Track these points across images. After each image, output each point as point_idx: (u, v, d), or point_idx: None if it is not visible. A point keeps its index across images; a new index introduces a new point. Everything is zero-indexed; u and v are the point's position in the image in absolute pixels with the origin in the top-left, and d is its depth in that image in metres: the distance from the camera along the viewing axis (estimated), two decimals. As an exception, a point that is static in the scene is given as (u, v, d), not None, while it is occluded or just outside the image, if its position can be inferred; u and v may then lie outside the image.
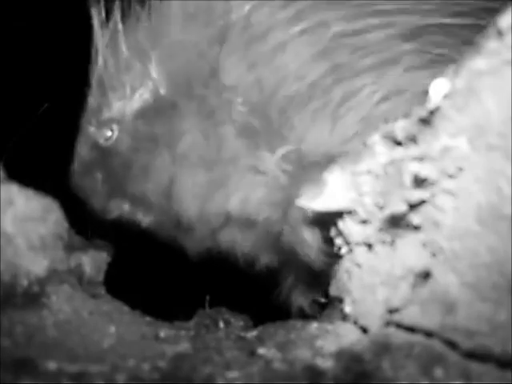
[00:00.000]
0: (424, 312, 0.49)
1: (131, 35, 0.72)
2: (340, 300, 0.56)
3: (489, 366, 0.46)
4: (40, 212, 0.59)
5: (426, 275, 0.50)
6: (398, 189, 0.52)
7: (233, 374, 0.50)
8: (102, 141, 0.75)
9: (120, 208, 0.76)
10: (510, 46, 0.48)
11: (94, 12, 0.72)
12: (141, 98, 0.73)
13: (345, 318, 0.55)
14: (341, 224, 0.56)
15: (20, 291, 0.56)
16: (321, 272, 0.67)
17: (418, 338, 0.49)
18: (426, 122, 0.51)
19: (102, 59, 0.73)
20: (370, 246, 0.54)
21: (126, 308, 0.63)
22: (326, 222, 0.58)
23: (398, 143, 0.53)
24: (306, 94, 0.68)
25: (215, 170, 0.71)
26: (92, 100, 0.75)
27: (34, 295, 0.56)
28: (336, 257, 0.58)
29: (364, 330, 0.53)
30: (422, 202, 0.51)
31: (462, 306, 0.47)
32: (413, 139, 0.52)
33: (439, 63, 0.66)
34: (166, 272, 0.89)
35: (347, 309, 0.54)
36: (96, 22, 0.72)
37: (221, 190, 0.71)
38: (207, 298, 0.69)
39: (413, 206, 0.51)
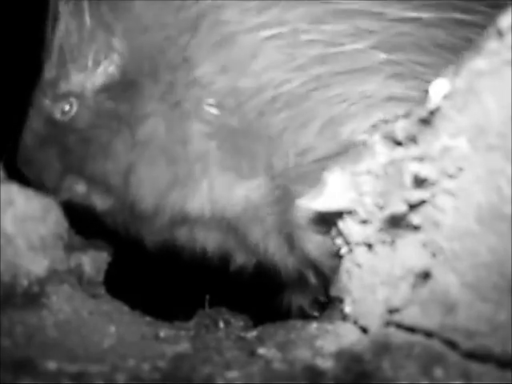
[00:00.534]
0: (424, 312, 0.49)
1: (95, 6, 0.67)
2: (340, 300, 0.56)
3: (489, 366, 0.46)
4: (40, 212, 0.59)
5: (425, 275, 0.50)
6: (398, 189, 0.52)
7: (233, 374, 0.50)
8: (58, 115, 0.70)
9: (74, 188, 0.72)
10: (509, 46, 0.48)
11: None
12: (104, 71, 0.69)
13: (345, 318, 0.55)
14: (341, 224, 0.56)
15: (20, 291, 0.56)
16: (328, 273, 0.67)
17: (417, 338, 0.49)
18: (426, 121, 0.51)
19: (63, 26, 0.68)
20: (369, 245, 0.54)
21: (126, 308, 0.63)
22: (326, 221, 0.58)
23: (398, 143, 0.53)
24: (283, 101, 0.66)
25: (179, 166, 0.68)
26: (49, 70, 0.70)
27: (33, 295, 0.56)
28: (337, 257, 0.58)
29: (364, 330, 0.53)
30: (422, 202, 0.51)
31: (462, 306, 0.47)
32: (413, 139, 0.52)
33: (416, 75, 0.65)
34: (166, 272, 0.89)
35: (347, 309, 0.54)
36: None
37: (184, 188, 0.69)
38: (207, 297, 0.68)
39: (413, 206, 0.51)
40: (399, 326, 0.50)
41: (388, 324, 0.51)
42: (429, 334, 0.48)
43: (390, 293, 0.52)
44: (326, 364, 0.50)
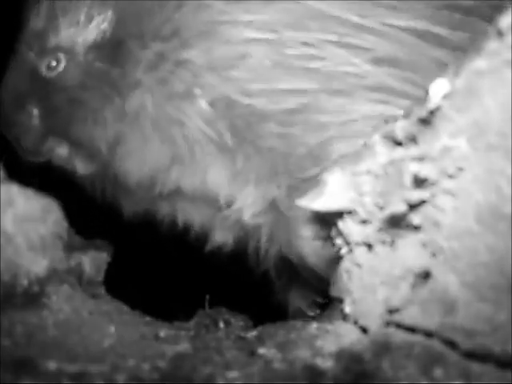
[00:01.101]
0: (424, 312, 0.49)
1: None
2: (340, 300, 0.56)
3: (489, 366, 0.46)
4: (40, 212, 0.59)
5: (426, 275, 0.50)
6: (398, 189, 0.52)
7: (233, 374, 0.50)
8: (43, 70, 0.65)
9: (55, 150, 0.68)
10: (510, 46, 0.48)
11: None
12: (97, 28, 0.65)
13: (345, 318, 0.55)
14: (341, 224, 0.56)
15: (20, 291, 0.56)
16: (321, 273, 0.67)
17: (418, 338, 0.49)
18: (426, 121, 0.51)
19: None
20: (369, 246, 0.54)
21: (125, 308, 0.63)
22: (326, 221, 0.58)
23: (398, 143, 0.53)
24: (273, 118, 0.64)
25: (177, 146, 0.66)
26: (36, 21, 0.65)
27: (33, 295, 0.56)
28: (336, 257, 0.58)
29: (364, 330, 0.53)
30: (422, 202, 0.51)
31: (461, 306, 0.47)
32: (413, 139, 0.52)
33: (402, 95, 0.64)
34: (166, 272, 0.89)
35: (347, 309, 0.54)
36: None
37: (180, 166, 0.67)
38: (207, 297, 0.68)
39: (413, 206, 0.51)
40: (399, 325, 0.50)
41: (388, 324, 0.51)
42: (429, 334, 0.48)
43: (390, 293, 0.52)
44: (326, 364, 0.50)
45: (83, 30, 0.65)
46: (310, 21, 0.63)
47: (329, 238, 0.58)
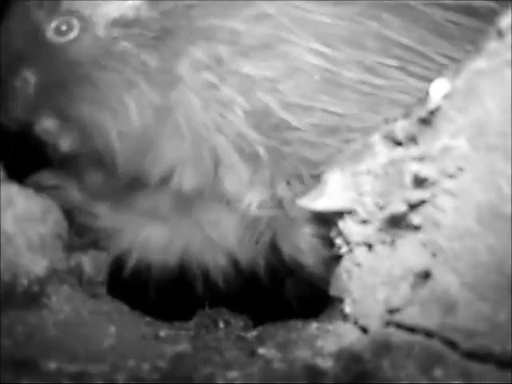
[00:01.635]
0: (424, 312, 0.49)
1: None
2: (340, 300, 0.56)
3: (489, 365, 0.46)
4: (40, 212, 0.59)
5: (426, 275, 0.50)
6: (398, 189, 0.52)
7: (233, 374, 0.50)
8: (50, 33, 0.58)
9: (42, 122, 0.61)
10: (510, 46, 0.48)
11: None
12: (129, 4, 0.58)
13: (345, 318, 0.55)
14: (341, 224, 0.56)
15: (20, 291, 0.56)
16: (317, 272, 0.67)
17: (418, 338, 0.49)
18: (426, 121, 0.51)
19: None
20: (370, 246, 0.54)
21: (125, 308, 0.63)
22: (326, 221, 0.58)
23: (398, 143, 0.53)
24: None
25: (199, 148, 0.63)
26: None
27: (33, 295, 0.57)
28: (335, 257, 0.58)
29: (364, 330, 0.53)
30: (422, 202, 0.51)
31: (461, 306, 0.47)
32: (413, 139, 0.52)
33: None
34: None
35: (347, 309, 0.54)
36: None
37: (193, 168, 0.64)
38: (207, 302, 0.69)
39: (413, 206, 0.51)
40: (399, 325, 0.50)
41: (388, 324, 0.51)
42: (429, 334, 0.48)
43: (389, 293, 0.52)
44: (326, 364, 0.50)
45: (109, 2, 0.58)
46: (368, 40, 0.62)
47: (327, 238, 0.59)
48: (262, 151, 0.63)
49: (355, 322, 0.54)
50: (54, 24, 0.59)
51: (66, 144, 0.63)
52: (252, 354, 0.53)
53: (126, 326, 0.59)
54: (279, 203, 0.67)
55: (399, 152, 0.52)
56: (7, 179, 0.60)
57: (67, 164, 0.68)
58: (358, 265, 0.55)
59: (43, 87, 0.60)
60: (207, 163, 0.64)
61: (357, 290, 0.54)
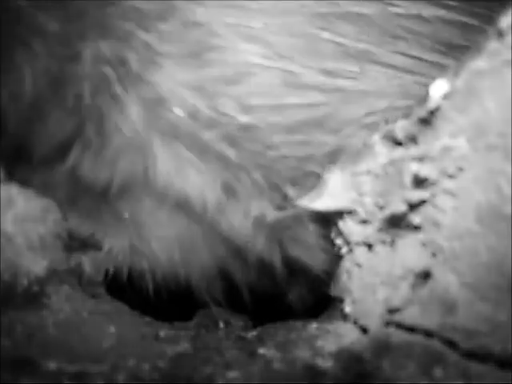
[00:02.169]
0: (424, 312, 0.49)
1: None
2: (340, 300, 0.56)
3: (489, 366, 0.46)
4: (40, 212, 0.59)
5: (425, 275, 0.50)
6: (398, 189, 0.52)
7: (233, 374, 0.50)
8: None
9: None
10: (510, 46, 0.48)
11: None
12: None
13: (345, 318, 0.55)
14: (341, 224, 0.56)
15: (20, 291, 0.56)
16: (321, 272, 0.67)
17: (417, 338, 0.49)
18: (426, 121, 0.51)
19: None
20: (369, 246, 0.54)
21: (125, 308, 0.63)
22: (326, 222, 0.58)
23: (398, 143, 0.53)
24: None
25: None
26: None
27: (33, 295, 0.56)
28: (336, 257, 0.58)
29: (364, 330, 0.53)
30: (422, 202, 0.51)
31: (461, 306, 0.47)
32: (413, 139, 0.52)
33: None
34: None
35: (347, 309, 0.54)
36: None
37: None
38: (207, 298, 0.68)
39: (413, 206, 0.51)
40: (399, 325, 0.50)
41: (388, 324, 0.51)
42: (429, 334, 0.48)
43: (389, 293, 0.52)
44: (326, 364, 0.50)
45: None
46: (324, 47, 0.61)
47: (328, 238, 0.59)
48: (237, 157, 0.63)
49: (355, 322, 0.54)
50: None
51: None
52: (252, 354, 0.53)
53: (126, 326, 0.59)
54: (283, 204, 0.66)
55: (399, 152, 0.52)
56: (7, 179, 0.59)
57: None
58: (358, 265, 0.55)
59: None
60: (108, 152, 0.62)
61: (357, 290, 0.54)
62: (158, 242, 0.67)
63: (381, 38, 0.62)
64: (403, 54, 0.63)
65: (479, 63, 0.49)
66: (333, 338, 0.53)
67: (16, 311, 0.55)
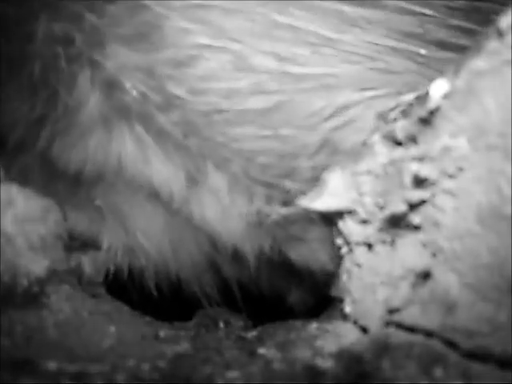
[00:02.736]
0: (424, 312, 0.49)
1: None
2: (340, 300, 0.56)
3: (489, 366, 0.46)
4: (40, 212, 0.59)
5: (425, 275, 0.50)
6: (398, 189, 0.52)
7: (233, 374, 0.50)
8: None
9: None
10: (510, 46, 0.48)
11: None
12: None
13: (345, 318, 0.55)
14: (341, 224, 0.56)
15: (20, 291, 0.56)
16: (324, 273, 0.66)
17: (417, 338, 0.49)
18: (426, 121, 0.51)
19: None
20: (370, 245, 0.54)
21: (125, 308, 0.63)
22: (326, 222, 0.58)
23: (398, 143, 0.53)
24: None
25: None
26: None
27: (33, 295, 0.57)
28: (336, 257, 0.58)
29: (364, 330, 0.53)
30: (422, 202, 0.51)
31: (462, 306, 0.47)
32: (413, 139, 0.52)
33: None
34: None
35: (347, 309, 0.54)
36: None
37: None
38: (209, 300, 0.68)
39: (413, 206, 0.51)
40: (399, 325, 0.50)
41: (388, 324, 0.51)
42: (429, 334, 0.48)
43: (389, 293, 0.52)
44: (326, 364, 0.50)
45: None
46: (279, 32, 0.60)
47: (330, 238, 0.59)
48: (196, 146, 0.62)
49: (355, 322, 0.54)
50: None
51: None
52: (252, 354, 0.53)
53: (126, 326, 0.59)
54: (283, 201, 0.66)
55: (399, 152, 0.52)
56: (7, 179, 0.59)
57: None
58: (358, 265, 0.55)
59: None
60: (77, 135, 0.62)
61: (357, 290, 0.54)
62: (146, 236, 0.67)
63: (337, 24, 0.62)
64: (359, 40, 0.62)
65: (479, 63, 0.49)
66: (333, 338, 0.53)
67: (16, 311, 0.55)
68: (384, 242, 0.53)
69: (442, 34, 0.63)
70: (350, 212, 0.55)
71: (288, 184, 0.62)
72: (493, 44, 0.49)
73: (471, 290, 0.47)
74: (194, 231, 0.65)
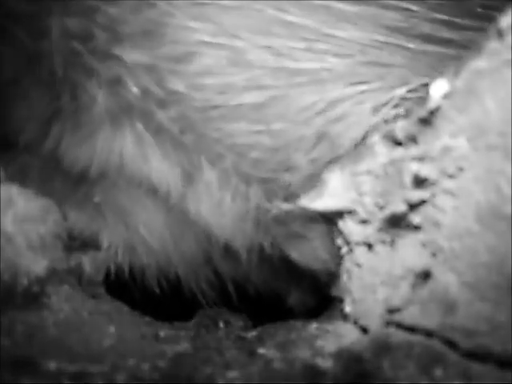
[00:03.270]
0: (424, 312, 0.49)
1: None
2: (340, 300, 0.56)
3: (489, 366, 0.46)
4: (40, 212, 0.59)
5: (425, 275, 0.50)
6: (398, 189, 0.52)
7: (233, 374, 0.50)
8: None
9: None
10: (510, 46, 0.48)
11: None
12: None
13: (345, 318, 0.55)
14: (341, 224, 0.56)
15: (20, 291, 0.56)
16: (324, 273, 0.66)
17: (418, 338, 0.49)
18: (426, 121, 0.51)
19: None
20: (370, 246, 0.54)
21: (125, 308, 0.63)
22: (326, 222, 0.58)
23: (398, 143, 0.53)
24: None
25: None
26: None
27: (34, 295, 0.56)
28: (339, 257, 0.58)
29: (364, 330, 0.53)
30: (422, 202, 0.51)
31: (461, 306, 0.47)
32: (413, 139, 0.52)
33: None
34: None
35: (347, 309, 0.54)
36: None
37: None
38: (207, 298, 0.68)
39: (413, 206, 0.51)
40: (399, 325, 0.50)
41: (388, 324, 0.51)
42: (429, 334, 0.48)
43: (389, 293, 0.52)
44: (326, 364, 0.50)
45: None
46: (275, 27, 0.61)
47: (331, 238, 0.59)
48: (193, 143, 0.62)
49: (355, 322, 0.54)
50: None
51: None
52: (252, 354, 0.53)
53: (126, 326, 0.59)
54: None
55: (399, 152, 0.52)
56: (7, 179, 0.59)
57: None
58: (358, 265, 0.55)
59: None
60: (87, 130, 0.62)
61: (357, 290, 0.54)
62: (148, 230, 0.67)
63: (329, 20, 0.62)
64: (350, 35, 0.62)
65: (479, 63, 0.49)
66: (333, 338, 0.53)
67: (16, 311, 0.55)
68: (384, 242, 0.53)
69: (428, 28, 0.63)
70: (350, 212, 0.55)
71: (286, 179, 0.63)
72: (493, 44, 0.49)
73: (471, 290, 0.47)
74: (192, 226, 0.65)
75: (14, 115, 0.63)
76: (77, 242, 0.65)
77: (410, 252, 0.52)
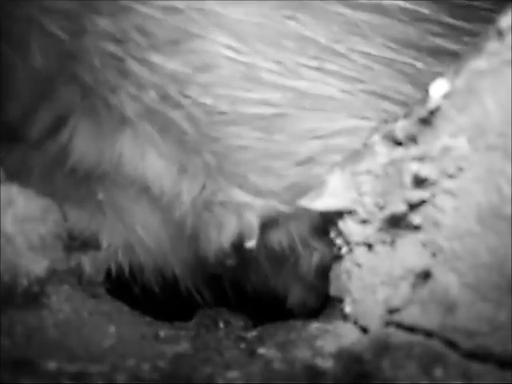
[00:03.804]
0: (424, 312, 0.49)
1: None
2: (340, 300, 0.56)
3: (489, 366, 0.46)
4: (40, 212, 0.59)
5: (425, 275, 0.50)
6: (398, 189, 0.52)
7: (233, 374, 0.50)
8: None
9: None
10: (510, 46, 0.48)
11: None
12: None
13: (345, 318, 0.55)
14: (341, 224, 0.56)
15: (20, 291, 0.56)
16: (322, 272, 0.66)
17: (418, 338, 0.49)
18: (426, 121, 0.51)
19: None
20: (370, 246, 0.54)
21: (125, 308, 0.63)
22: (326, 222, 0.58)
23: (398, 143, 0.53)
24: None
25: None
26: None
27: (34, 295, 0.56)
28: (336, 257, 0.58)
29: (364, 330, 0.53)
30: (422, 202, 0.51)
31: (462, 306, 0.47)
32: (413, 139, 0.52)
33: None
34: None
35: (347, 309, 0.54)
36: None
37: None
38: (207, 298, 0.68)
39: (413, 206, 0.51)
40: (399, 325, 0.50)
41: (388, 324, 0.51)
42: (429, 334, 0.48)
43: (389, 293, 0.52)
44: (326, 364, 0.50)
45: None
46: (286, 40, 0.62)
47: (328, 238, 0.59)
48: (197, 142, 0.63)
49: (355, 322, 0.54)
50: None
51: None
52: (252, 354, 0.53)
53: (126, 326, 0.59)
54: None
55: (399, 152, 0.52)
56: (7, 179, 0.60)
57: None
58: (358, 265, 0.55)
59: None
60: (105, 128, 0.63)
61: (357, 290, 0.54)
62: (145, 230, 0.67)
63: (339, 31, 0.63)
64: (362, 50, 0.63)
65: (479, 63, 0.49)
66: (333, 338, 0.53)
67: (16, 311, 0.55)
68: (384, 242, 0.53)
69: (439, 41, 0.64)
70: (350, 212, 0.55)
71: (261, 181, 0.63)
72: (493, 44, 0.49)
73: (471, 290, 0.47)
74: (186, 227, 0.66)
75: (31, 109, 0.63)
76: (77, 242, 0.65)
77: (410, 252, 0.52)
